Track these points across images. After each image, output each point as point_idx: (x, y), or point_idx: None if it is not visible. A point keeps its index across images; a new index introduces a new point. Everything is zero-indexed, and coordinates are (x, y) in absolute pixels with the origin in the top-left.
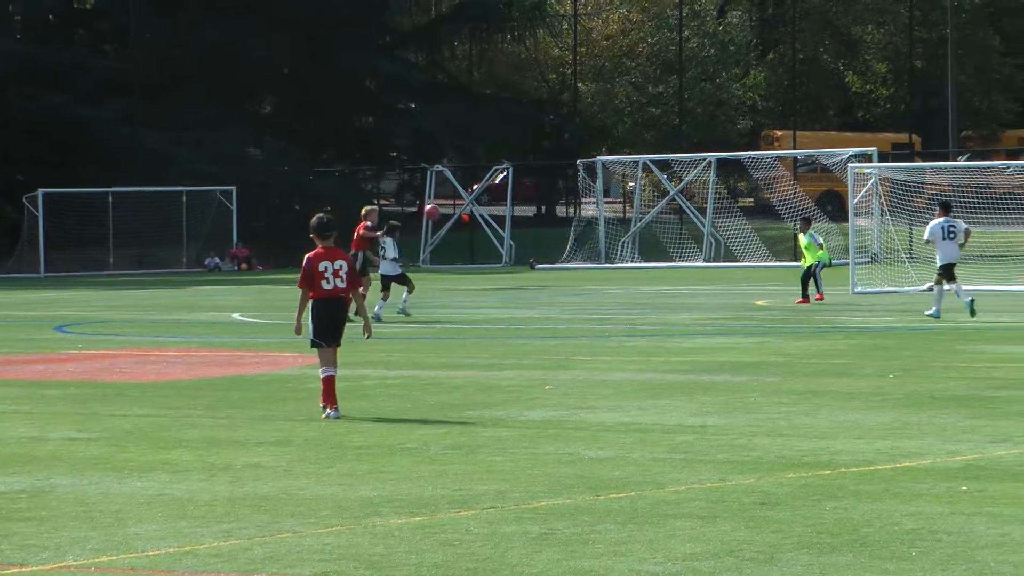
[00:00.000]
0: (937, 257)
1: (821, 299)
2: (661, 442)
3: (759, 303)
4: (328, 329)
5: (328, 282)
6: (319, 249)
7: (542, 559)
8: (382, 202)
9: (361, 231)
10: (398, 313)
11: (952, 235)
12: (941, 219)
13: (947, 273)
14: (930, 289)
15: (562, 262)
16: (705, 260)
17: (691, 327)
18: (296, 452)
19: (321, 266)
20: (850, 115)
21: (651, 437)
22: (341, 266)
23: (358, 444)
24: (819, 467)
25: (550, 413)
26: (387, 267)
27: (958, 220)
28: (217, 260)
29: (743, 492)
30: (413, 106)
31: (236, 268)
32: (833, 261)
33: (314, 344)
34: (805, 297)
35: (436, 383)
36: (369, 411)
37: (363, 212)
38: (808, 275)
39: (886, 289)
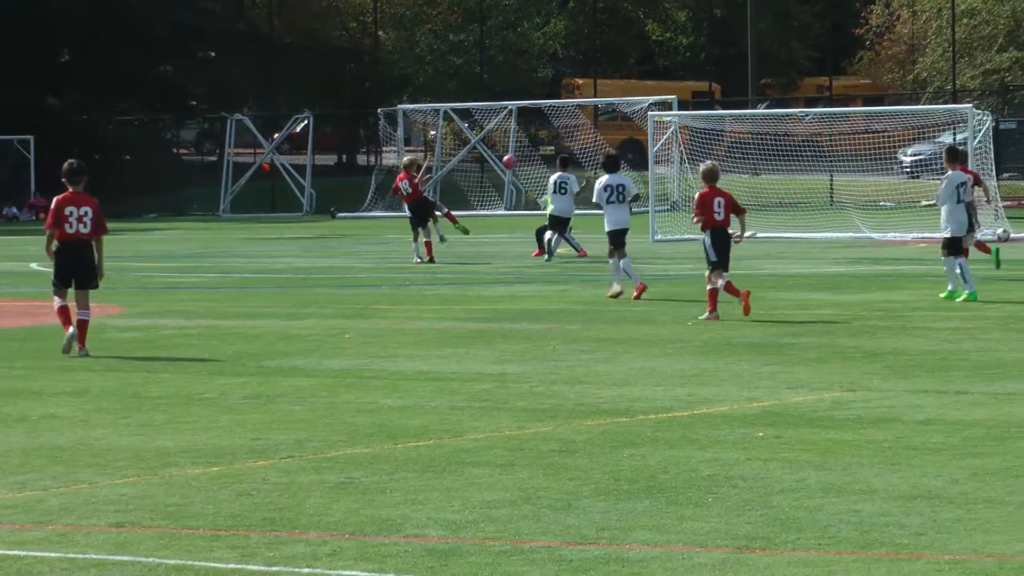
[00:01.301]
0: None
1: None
2: (460, 391)
3: (560, 251)
4: (66, 271)
5: (71, 226)
6: (67, 193)
7: (340, 508)
8: (181, 151)
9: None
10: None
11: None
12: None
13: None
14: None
15: (363, 211)
16: (506, 208)
17: (491, 276)
18: (93, 402)
19: (67, 210)
20: (651, 64)
21: (450, 386)
22: (86, 212)
23: (156, 394)
24: (617, 414)
25: (349, 362)
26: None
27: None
28: (15, 210)
29: (541, 440)
30: (212, 55)
31: (34, 218)
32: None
33: (53, 284)
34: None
35: (235, 333)
36: (167, 361)
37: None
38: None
39: (686, 237)
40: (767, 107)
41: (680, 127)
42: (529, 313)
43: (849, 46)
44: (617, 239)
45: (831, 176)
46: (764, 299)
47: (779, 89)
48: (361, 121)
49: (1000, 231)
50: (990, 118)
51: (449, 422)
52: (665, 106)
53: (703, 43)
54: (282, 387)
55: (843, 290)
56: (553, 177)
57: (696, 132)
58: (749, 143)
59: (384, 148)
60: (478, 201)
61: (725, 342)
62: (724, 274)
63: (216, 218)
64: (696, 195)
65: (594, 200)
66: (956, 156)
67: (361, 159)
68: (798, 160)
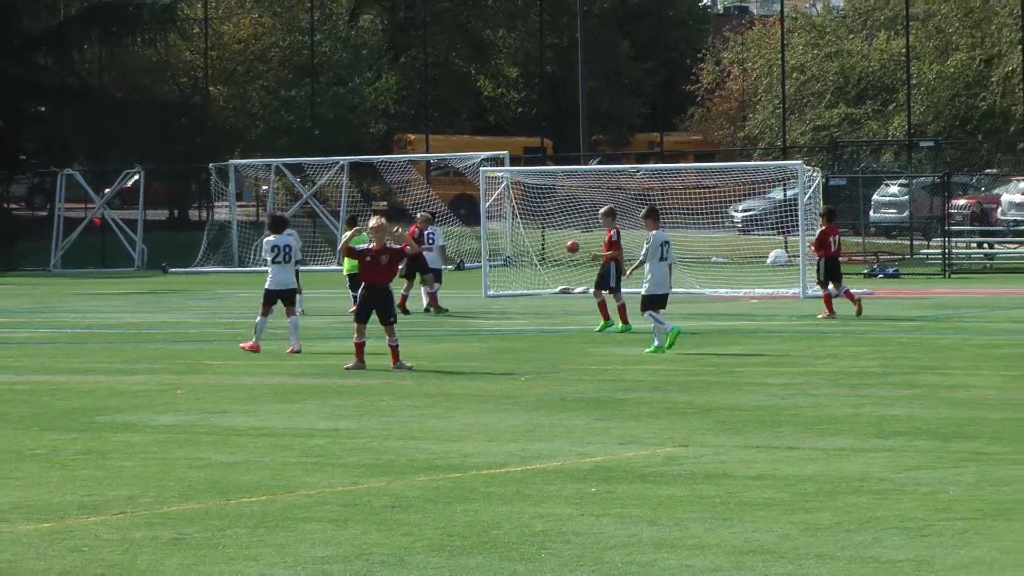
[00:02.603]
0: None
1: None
2: (293, 446)
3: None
4: None
5: None
6: None
7: (172, 564)
8: (11, 206)
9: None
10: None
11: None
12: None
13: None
14: (564, 292)
15: (195, 266)
16: (339, 263)
17: (324, 330)
18: None
19: None
20: (482, 119)
21: (283, 441)
22: None
23: None
24: (450, 470)
25: (181, 418)
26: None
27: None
28: None
29: (374, 495)
30: (43, 109)
31: None
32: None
33: None
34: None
35: (66, 388)
36: None
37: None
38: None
39: (519, 292)
40: (599, 163)
41: (512, 182)
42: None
43: (680, 102)
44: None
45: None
46: (595, 355)
47: (611, 145)
48: (193, 176)
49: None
50: (820, 174)
51: (282, 477)
52: (497, 162)
53: (534, 99)
54: (114, 443)
55: (676, 346)
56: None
57: (528, 188)
58: (581, 198)
59: (216, 203)
60: (311, 256)
61: (558, 397)
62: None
63: (47, 273)
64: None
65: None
66: (655, 215)
67: (193, 214)
68: (630, 215)
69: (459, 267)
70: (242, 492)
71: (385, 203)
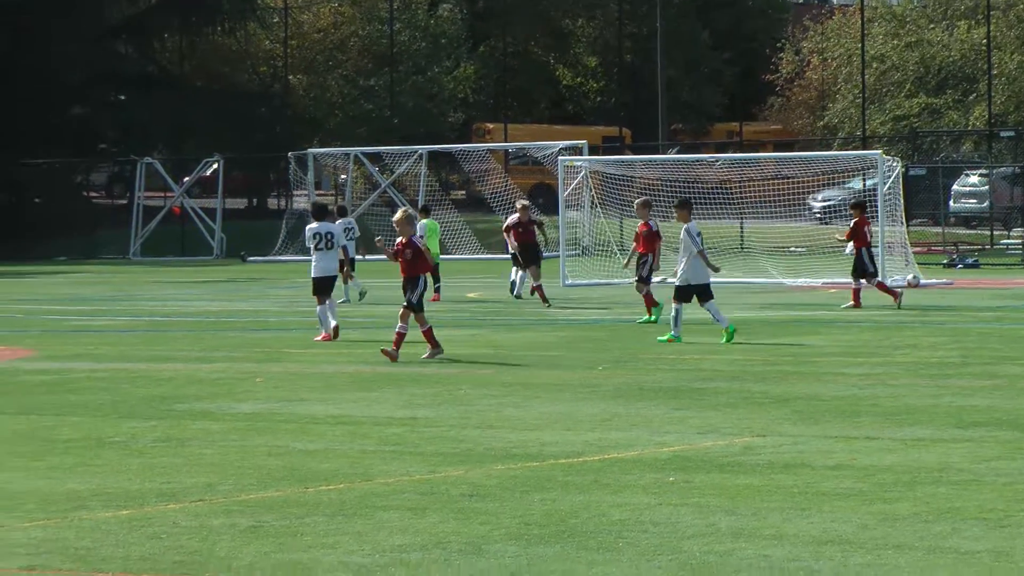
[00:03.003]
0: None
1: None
2: (371, 434)
3: (471, 295)
4: None
5: None
6: None
7: (250, 552)
8: (92, 194)
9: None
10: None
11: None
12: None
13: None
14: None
15: (274, 255)
16: None
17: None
18: (4, 445)
19: None
20: (561, 108)
21: (361, 429)
22: None
23: (66, 438)
24: (528, 459)
25: (260, 406)
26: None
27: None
28: None
29: (452, 484)
30: (123, 98)
31: None
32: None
33: None
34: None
35: (145, 376)
36: (77, 405)
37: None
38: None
39: (596, 281)
40: (677, 152)
41: (590, 172)
42: (440, 357)
43: (760, 92)
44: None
45: (741, 221)
46: (674, 345)
47: (690, 134)
48: (271, 165)
49: (910, 277)
50: (899, 164)
51: (360, 465)
52: (575, 151)
53: (613, 88)
54: (192, 430)
55: (753, 335)
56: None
57: (606, 177)
58: (660, 189)
59: (295, 192)
60: (389, 244)
61: (636, 387)
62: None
63: (126, 261)
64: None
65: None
66: (689, 207)
67: (271, 203)
68: (708, 205)
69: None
70: (320, 480)
71: (463, 192)
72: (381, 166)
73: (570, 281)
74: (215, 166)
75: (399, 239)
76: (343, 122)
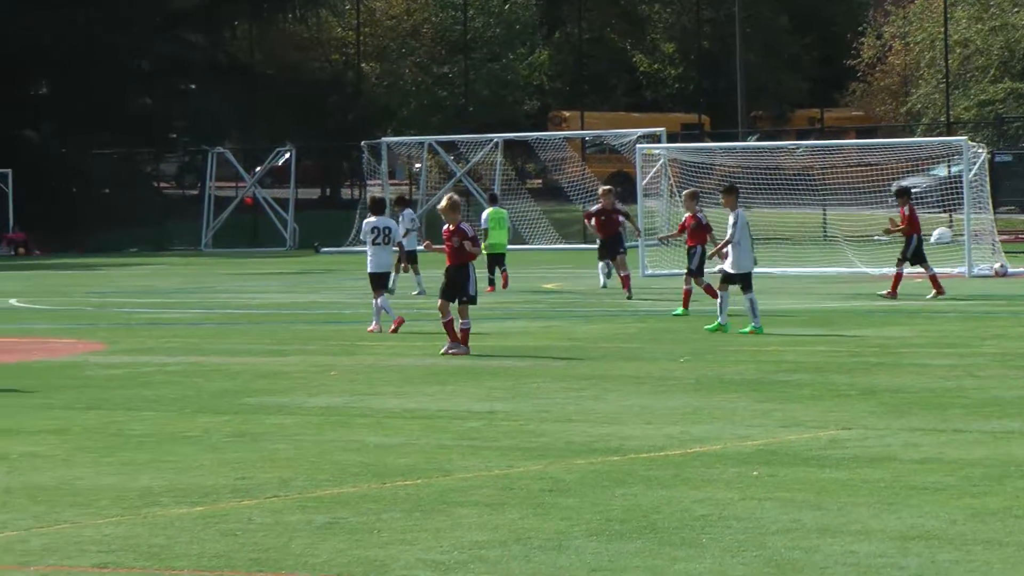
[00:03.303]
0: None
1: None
2: (448, 428)
3: (547, 286)
4: None
5: None
6: None
7: (327, 548)
8: (162, 185)
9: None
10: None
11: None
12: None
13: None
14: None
15: (348, 245)
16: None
17: (478, 311)
18: (74, 441)
19: None
20: (638, 95)
21: (438, 423)
22: None
23: (138, 433)
24: (608, 453)
25: (335, 400)
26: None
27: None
28: None
29: (531, 479)
30: (193, 87)
31: (12, 253)
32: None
33: None
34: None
35: (218, 369)
36: (149, 399)
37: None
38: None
39: (676, 271)
40: (757, 139)
41: (669, 160)
42: (516, 349)
43: (841, 77)
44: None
45: (824, 210)
46: (756, 336)
47: (770, 121)
48: (344, 154)
49: (997, 266)
50: (985, 150)
51: (437, 461)
52: (653, 138)
53: (692, 75)
54: (266, 425)
55: (837, 326)
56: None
57: (686, 165)
58: (740, 176)
59: (368, 181)
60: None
61: (718, 379)
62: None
63: (198, 253)
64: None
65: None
66: (736, 193)
67: (345, 192)
68: (790, 193)
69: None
70: (397, 475)
71: (540, 181)
72: (456, 155)
73: (650, 271)
74: (287, 155)
75: (446, 226)
76: (417, 110)
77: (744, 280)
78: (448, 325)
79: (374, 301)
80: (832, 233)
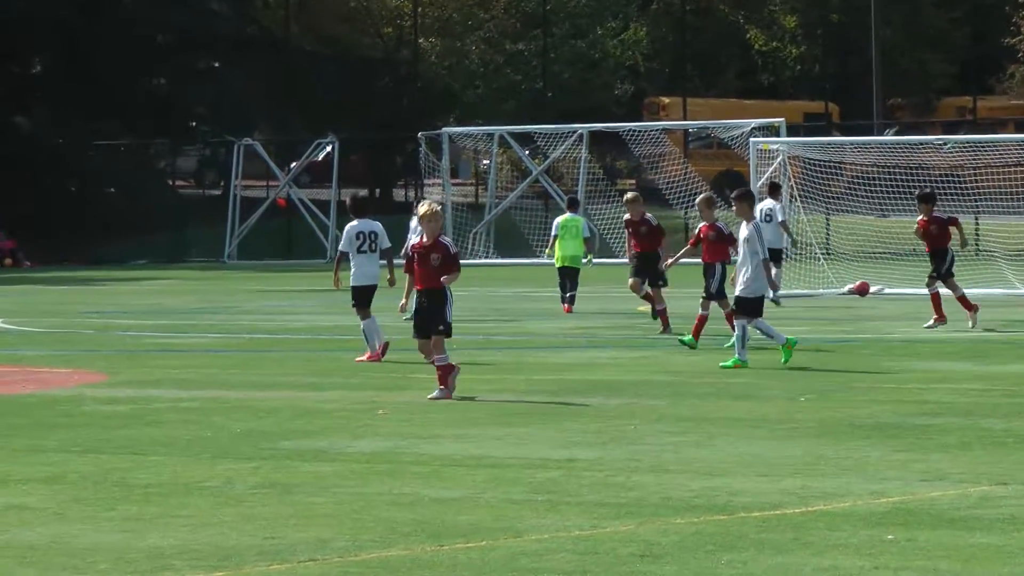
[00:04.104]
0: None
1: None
2: (520, 480)
3: (641, 308)
4: None
5: None
6: None
7: None
8: (178, 183)
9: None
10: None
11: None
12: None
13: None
14: (850, 292)
15: (401, 257)
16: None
17: (558, 338)
18: (70, 491)
19: None
20: (753, 79)
21: (507, 474)
22: None
23: (145, 482)
24: (713, 511)
25: (383, 444)
26: None
27: None
28: None
29: (620, 541)
30: (216, 65)
31: None
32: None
33: None
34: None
35: (243, 406)
36: (159, 441)
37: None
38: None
39: (797, 292)
40: (896, 133)
41: (789, 157)
42: (604, 385)
43: (997, 59)
44: None
45: (976, 219)
46: (893, 370)
47: (911, 111)
48: (398, 147)
49: None
50: None
51: (506, 519)
52: (771, 131)
53: (817, 54)
54: (301, 474)
55: (992, 359)
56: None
57: (809, 163)
58: (875, 177)
59: (426, 181)
60: (541, 247)
61: (846, 423)
62: None
63: (220, 265)
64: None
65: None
66: (752, 200)
67: (398, 194)
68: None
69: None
70: (457, 536)
71: (633, 181)
72: (532, 149)
73: (782, 291)
74: (328, 149)
75: (417, 239)
76: (485, 95)
77: (756, 307)
78: (446, 368)
79: (362, 323)
80: (986, 246)
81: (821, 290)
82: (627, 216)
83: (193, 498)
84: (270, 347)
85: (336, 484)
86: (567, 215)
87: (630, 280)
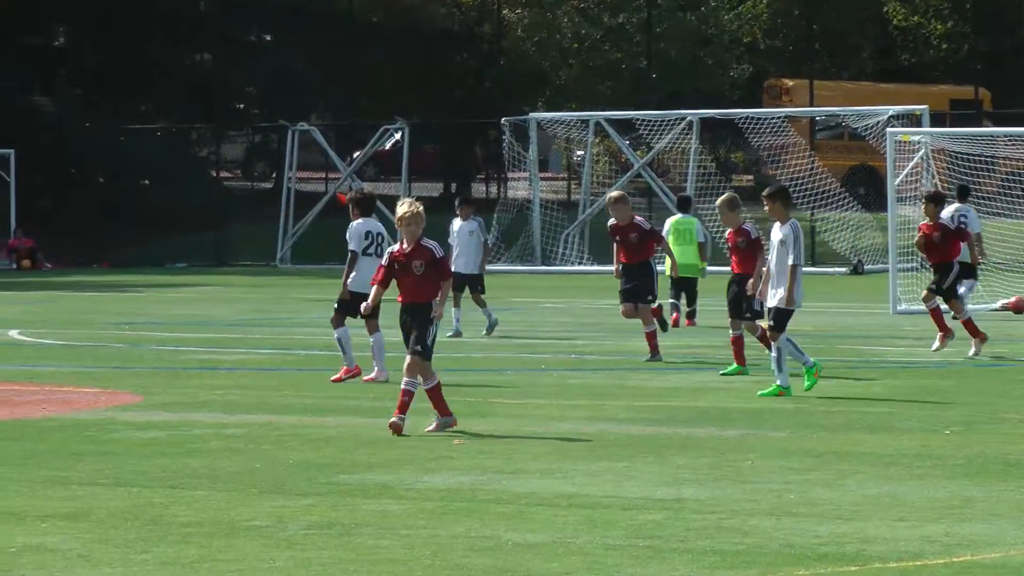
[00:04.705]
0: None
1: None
2: (618, 522)
3: (762, 323)
4: None
5: None
6: None
7: None
8: (223, 174)
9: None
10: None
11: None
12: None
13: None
14: (1003, 308)
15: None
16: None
17: (662, 360)
18: (97, 530)
19: None
20: (891, 59)
21: (604, 515)
22: None
23: (184, 520)
24: (843, 561)
25: (460, 479)
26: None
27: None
28: None
29: None
30: (268, 39)
31: (14, 266)
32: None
33: None
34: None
35: (297, 434)
36: (200, 473)
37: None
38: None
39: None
40: None
41: (934, 149)
42: (716, 413)
43: None
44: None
45: None
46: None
47: None
48: (478, 135)
49: None
50: None
51: (603, 567)
52: (912, 119)
53: (966, 31)
54: (364, 512)
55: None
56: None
57: (957, 158)
58: None
59: (510, 174)
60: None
61: (999, 460)
62: None
63: (272, 270)
64: None
65: None
66: (788, 197)
67: (478, 188)
68: None
69: (856, 270)
70: None
71: (751, 177)
72: (634, 139)
73: (904, 307)
74: (398, 136)
75: (397, 246)
76: (579, 76)
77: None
78: (435, 391)
79: (338, 331)
80: None
81: (970, 305)
82: (612, 221)
83: (239, 540)
84: (329, 365)
85: (405, 525)
86: (677, 216)
87: (621, 307)
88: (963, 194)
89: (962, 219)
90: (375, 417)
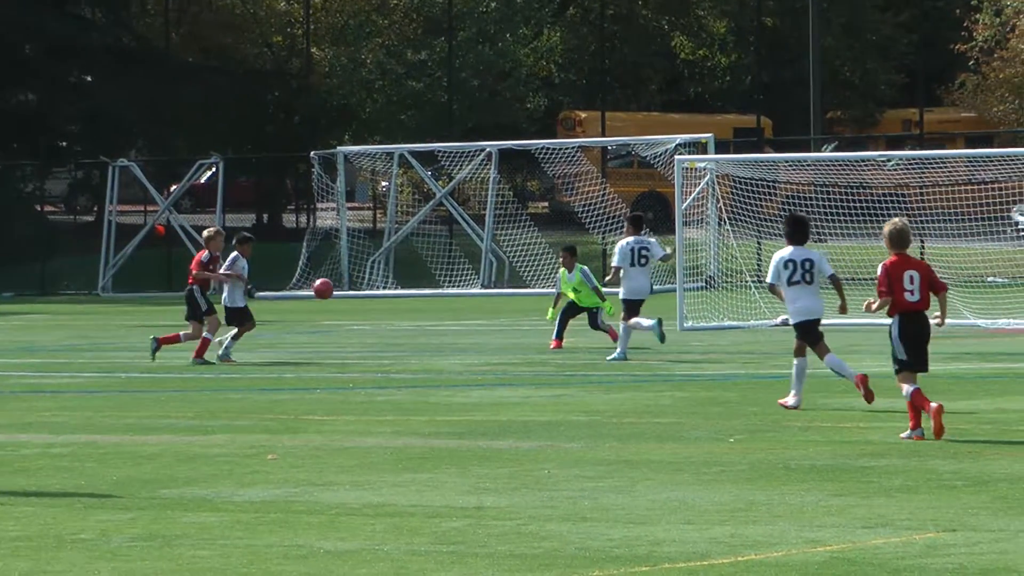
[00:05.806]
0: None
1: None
2: (423, 530)
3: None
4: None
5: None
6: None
7: None
8: (47, 209)
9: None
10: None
11: (644, 261)
12: (631, 239)
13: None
14: (784, 323)
15: (291, 289)
16: (483, 286)
17: (464, 376)
18: None
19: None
20: (678, 91)
21: (409, 523)
22: None
23: (14, 534)
24: (635, 562)
25: (274, 491)
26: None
27: (652, 240)
28: None
29: None
30: (89, 79)
31: None
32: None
33: None
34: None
35: (120, 452)
36: (27, 490)
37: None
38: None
39: (726, 324)
40: (835, 149)
41: (718, 175)
42: (515, 426)
43: (947, 68)
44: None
45: (922, 242)
46: (830, 407)
47: (852, 125)
48: (289, 169)
49: None
50: None
51: (409, 571)
52: (698, 147)
53: (749, 63)
54: (183, 525)
55: (939, 396)
56: (625, 243)
57: (740, 182)
58: (811, 197)
59: (319, 204)
60: (446, 277)
61: (780, 465)
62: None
63: (94, 298)
64: (879, 267)
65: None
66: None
67: (288, 219)
68: (877, 220)
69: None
70: None
71: (546, 204)
72: (436, 169)
73: (690, 324)
74: (212, 170)
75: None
76: (384, 109)
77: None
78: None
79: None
80: None
81: (752, 322)
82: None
83: (66, 552)
84: (149, 387)
85: (222, 536)
86: (565, 269)
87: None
88: (636, 224)
89: (643, 251)
90: (193, 435)
